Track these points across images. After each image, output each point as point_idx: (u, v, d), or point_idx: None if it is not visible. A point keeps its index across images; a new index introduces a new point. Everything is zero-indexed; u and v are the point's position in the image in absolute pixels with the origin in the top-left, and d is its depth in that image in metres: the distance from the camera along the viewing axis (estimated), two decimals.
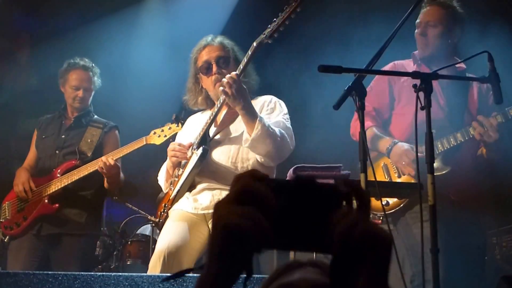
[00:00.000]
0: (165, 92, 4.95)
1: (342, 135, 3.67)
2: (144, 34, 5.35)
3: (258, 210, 0.72)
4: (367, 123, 3.26)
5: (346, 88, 2.29)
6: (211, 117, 3.07)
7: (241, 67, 2.95)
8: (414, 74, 2.51)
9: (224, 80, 2.89)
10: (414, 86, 2.24)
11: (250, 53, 2.92)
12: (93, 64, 4.12)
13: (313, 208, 0.76)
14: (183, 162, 3.17)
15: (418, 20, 3.23)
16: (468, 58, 2.83)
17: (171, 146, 3.19)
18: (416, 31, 3.24)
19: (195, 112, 3.45)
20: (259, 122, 2.86)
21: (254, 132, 2.86)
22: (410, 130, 3.15)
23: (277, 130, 2.95)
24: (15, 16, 5.24)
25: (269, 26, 2.83)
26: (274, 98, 3.22)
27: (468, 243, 3.09)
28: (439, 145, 3.05)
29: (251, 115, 2.89)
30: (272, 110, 3.13)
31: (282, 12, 2.80)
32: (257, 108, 3.05)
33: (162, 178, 3.34)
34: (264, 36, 2.84)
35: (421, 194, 2.25)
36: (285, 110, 3.16)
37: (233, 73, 2.91)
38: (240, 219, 0.71)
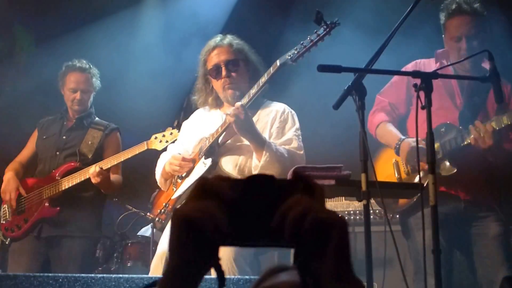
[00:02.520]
0: (165, 92, 4.94)
1: (342, 136, 3.65)
2: (144, 35, 5.33)
3: (215, 205, 0.74)
4: (381, 117, 3.27)
5: (346, 88, 2.28)
6: (223, 127, 3.01)
7: (260, 83, 2.93)
8: (414, 74, 2.50)
9: (230, 113, 2.89)
10: (415, 85, 2.23)
11: (272, 71, 2.89)
12: (91, 65, 4.08)
13: (269, 203, 0.74)
14: None
15: (455, 34, 3.07)
16: (468, 57, 2.82)
17: (176, 160, 3.12)
18: (451, 42, 3.11)
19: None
20: (267, 149, 2.90)
21: (263, 159, 2.90)
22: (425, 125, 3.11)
23: (285, 152, 2.97)
24: (16, 18, 5.23)
25: (296, 48, 2.77)
26: (287, 109, 3.19)
27: (485, 234, 3.03)
28: (447, 145, 3.00)
29: (259, 143, 2.93)
30: (284, 123, 3.12)
31: (311, 36, 2.73)
32: (268, 118, 3.09)
33: (159, 174, 3.29)
34: (290, 58, 2.79)
35: (423, 194, 2.24)
36: (297, 124, 3.15)
37: (238, 104, 2.89)
38: (193, 212, 0.73)
